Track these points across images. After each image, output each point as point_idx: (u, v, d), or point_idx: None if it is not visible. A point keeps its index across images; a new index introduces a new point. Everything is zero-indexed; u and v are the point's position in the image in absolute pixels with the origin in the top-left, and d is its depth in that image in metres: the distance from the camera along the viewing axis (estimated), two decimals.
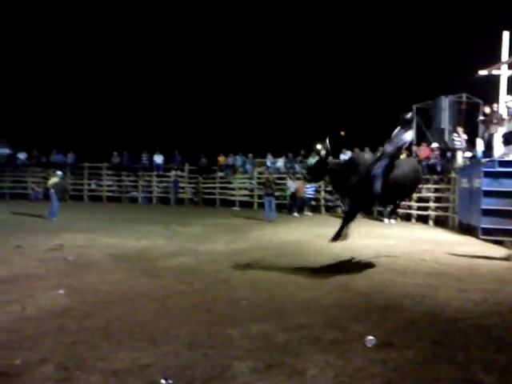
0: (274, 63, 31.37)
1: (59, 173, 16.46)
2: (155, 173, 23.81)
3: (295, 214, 18.41)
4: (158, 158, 23.99)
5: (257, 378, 3.83)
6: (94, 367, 3.98)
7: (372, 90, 29.04)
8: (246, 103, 30.95)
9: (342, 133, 34.07)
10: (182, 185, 23.52)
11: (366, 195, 7.64)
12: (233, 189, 22.70)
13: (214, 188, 23.13)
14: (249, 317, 5.42)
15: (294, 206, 18.86)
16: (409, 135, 7.66)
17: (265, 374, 3.89)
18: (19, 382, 3.68)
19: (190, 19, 31.81)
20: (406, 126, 7.70)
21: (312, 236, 12.12)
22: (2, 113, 27.25)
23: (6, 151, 24.67)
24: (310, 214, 18.99)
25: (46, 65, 30.04)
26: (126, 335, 4.75)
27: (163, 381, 3.70)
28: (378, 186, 7.47)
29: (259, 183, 21.79)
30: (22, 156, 24.28)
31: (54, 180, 15.72)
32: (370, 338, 4.60)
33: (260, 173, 22.38)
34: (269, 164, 22.39)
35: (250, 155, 23.02)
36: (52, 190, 15.33)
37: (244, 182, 22.78)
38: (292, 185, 19.19)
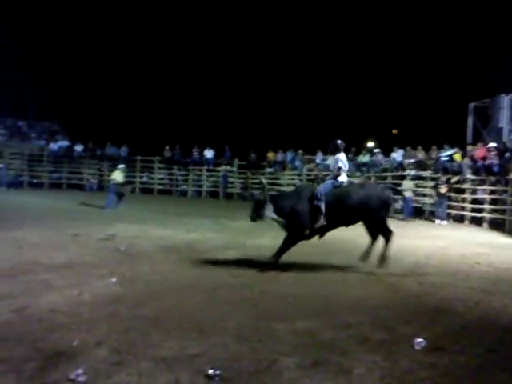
0: (325, 59, 31.10)
1: (122, 166, 16.90)
2: (205, 167, 24.16)
3: None
4: (209, 153, 24.32)
5: (303, 374, 3.84)
6: (144, 353, 4.11)
7: (427, 87, 28.28)
8: (297, 99, 30.89)
9: (394, 131, 33.40)
10: (231, 180, 23.74)
11: (309, 216, 7.64)
12: (281, 185, 22.70)
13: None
14: (295, 313, 5.42)
15: None
16: (342, 157, 7.98)
17: (311, 371, 3.89)
18: (77, 362, 3.85)
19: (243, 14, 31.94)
20: (336, 151, 8.07)
21: (363, 234, 11.95)
22: (62, 106, 28.39)
23: (65, 143, 25.67)
24: None
25: (104, 60, 31.02)
26: (174, 325, 4.86)
27: (211, 371, 3.77)
28: (321, 204, 7.55)
29: (308, 180, 21.69)
30: (78, 148, 25.19)
31: (118, 173, 16.11)
32: (419, 340, 4.51)
33: (309, 170, 22.28)
34: (318, 161, 22.23)
35: (300, 152, 22.94)
36: (113, 182, 15.77)
37: (293, 179, 22.75)
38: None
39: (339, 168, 7.93)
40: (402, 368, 4.00)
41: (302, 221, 7.67)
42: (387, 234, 7.89)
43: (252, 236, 11.07)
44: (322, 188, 7.78)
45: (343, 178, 7.96)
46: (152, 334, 4.59)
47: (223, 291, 6.24)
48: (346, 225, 8.02)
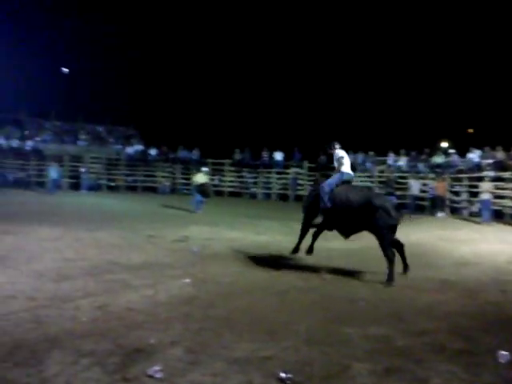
0: (398, 57, 30.28)
1: (205, 169, 17.29)
2: (275, 169, 24.27)
3: (438, 215, 17.37)
4: (278, 155, 24.40)
5: (376, 381, 3.77)
6: (218, 354, 4.21)
7: (506, 82, 26.76)
8: (368, 100, 30.31)
9: (470, 130, 31.91)
10: (300, 182, 23.70)
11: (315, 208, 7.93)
12: None
13: None
14: (367, 317, 5.34)
15: (435, 206, 17.82)
16: (341, 153, 8.14)
17: (384, 378, 3.81)
18: (154, 359, 4.02)
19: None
20: (332, 150, 8.33)
21: (435, 238, 11.57)
22: (137, 112, 29.61)
23: (140, 147, 26.74)
24: (442, 214, 17.64)
25: (175, 66, 32.02)
26: (246, 326, 4.94)
27: (283, 374, 3.80)
28: (325, 197, 7.68)
29: (380, 182, 21.22)
30: (153, 152, 26.15)
31: (201, 176, 16.38)
32: (504, 352, 4.26)
33: (381, 171, 21.78)
34: (390, 162, 21.68)
35: (371, 153, 22.48)
36: (197, 185, 16.06)
37: (364, 181, 22.34)
38: (414, 184, 18.35)
39: (339, 160, 8.04)
40: (483, 382, 3.82)
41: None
42: (387, 254, 7.28)
43: (322, 239, 10.96)
44: (329, 181, 7.90)
45: (347, 169, 8.03)
46: (225, 334, 4.69)
47: (293, 294, 6.26)
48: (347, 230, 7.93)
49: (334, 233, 8.26)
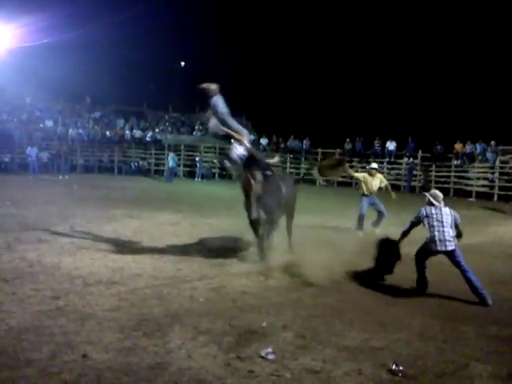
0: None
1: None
2: (386, 159, 23.57)
3: None
4: (391, 145, 23.67)
5: None
6: (328, 341, 4.26)
7: None
8: (488, 86, 28.09)
9: None
10: (414, 172, 22.76)
11: None
12: (470, 178, 21.02)
13: (448, 177, 21.78)
14: (486, 316, 5.06)
15: None
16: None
17: (508, 383, 3.60)
18: (266, 341, 4.18)
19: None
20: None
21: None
22: (249, 102, 30.27)
23: (251, 137, 27.41)
24: None
25: (290, 53, 32.14)
26: (357, 316, 4.92)
27: (394, 366, 3.74)
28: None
29: (502, 173, 19.70)
30: (263, 141, 26.66)
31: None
32: None
33: (503, 162, 20.19)
34: None
35: (493, 142, 20.90)
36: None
37: (484, 172, 20.88)
38: None
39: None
40: None
41: None
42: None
43: None
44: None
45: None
46: (335, 323, 4.72)
47: (405, 288, 6.07)
48: None
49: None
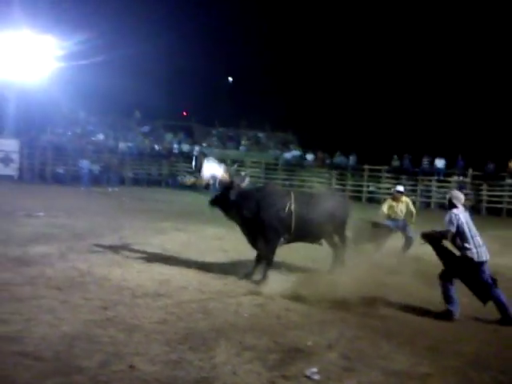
0: None
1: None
2: (435, 177, 23.00)
3: None
4: (440, 162, 23.11)
5: None
6: (374, 363, 4.16)
7: None
8: None
9: None
10: (464, 191, 22.06)
11: None
12: None
13: (501, 196, 21.01)
14: None
15: None
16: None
17: None
18: (311, 361, 4.13)
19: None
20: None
21: None
22: (295, 118, 30.34)
23: (297, 153, 27.43)
24: None
25: (329, 73, 32.09)
26: (405, 339, 4.79)
27: None
28: None
29: None
30: (309, 157, 26.60)
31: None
32: None
33: None
34: None
35: None
36: None
37: None
38: None
39: None
40: None
41: None
42: None
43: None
44: None
45: None
46: (382, 345, 4.60)
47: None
48: None
49: None
